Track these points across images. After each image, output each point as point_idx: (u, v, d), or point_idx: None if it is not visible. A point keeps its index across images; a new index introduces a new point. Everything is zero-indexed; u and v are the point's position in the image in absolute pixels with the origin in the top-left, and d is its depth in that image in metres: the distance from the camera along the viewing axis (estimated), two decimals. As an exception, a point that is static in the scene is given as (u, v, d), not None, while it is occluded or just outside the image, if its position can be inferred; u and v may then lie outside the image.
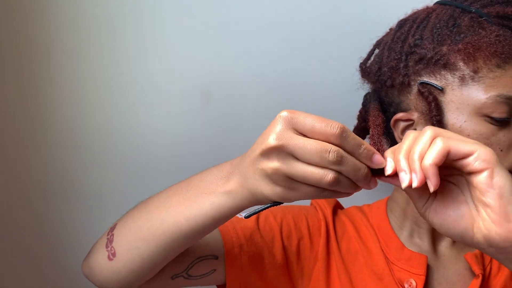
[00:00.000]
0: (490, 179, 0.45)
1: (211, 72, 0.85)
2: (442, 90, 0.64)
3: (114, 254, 0.60)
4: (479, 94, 0.62)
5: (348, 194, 0.49)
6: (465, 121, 0.62)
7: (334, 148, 0.45)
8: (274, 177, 0.47)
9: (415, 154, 0.46)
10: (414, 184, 0.45)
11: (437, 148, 0.45)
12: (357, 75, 0.76)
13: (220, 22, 0.84)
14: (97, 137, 0.85)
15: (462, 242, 0.49)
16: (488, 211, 0.45)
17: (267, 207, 0.51)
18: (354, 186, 0.48)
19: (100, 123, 0.85)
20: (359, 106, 0.77)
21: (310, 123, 0.46)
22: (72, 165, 0.86)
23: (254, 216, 0.71)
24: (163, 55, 0.84)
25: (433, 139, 0.46)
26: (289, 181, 0.47)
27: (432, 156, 0.45)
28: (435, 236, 0.71)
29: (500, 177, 0.45)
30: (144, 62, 0.84)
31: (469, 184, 0.47)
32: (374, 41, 0.75)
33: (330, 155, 0.45)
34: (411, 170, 0.46)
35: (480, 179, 0.45)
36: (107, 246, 0.61)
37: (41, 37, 0.81)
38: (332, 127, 0.45)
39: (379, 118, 0.67)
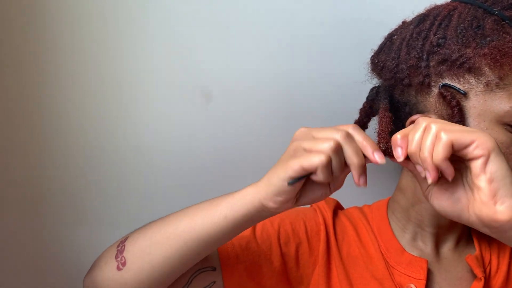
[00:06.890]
0: (484, 165, 0.49)
1: (211, 72, 0.82)
2: (465, 94, 0.62)
3: (124, 263, 0.58)
4: (503, 102, 0.60)
5: (346, 170, 0.55)
6: (486, 129, 0.61)
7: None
8: (295, 149, 0.55)
9: (425, 152, 0.50)
10: (430, 181, 0.50)
11: (443, 144, 0.49)
12: (357, 73, 0.72)
13: (220, 22, 0.80)
14: (95, 138, 0.80)
15: (460, 222, 0.53)
16: (480, 194, 0.49)
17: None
18: (358, 153, 0.54)
19: (99, 124, 0.80)
20: (359, 105, 0.73)
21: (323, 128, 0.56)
22: (71, 167, 0.81)
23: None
24: (163, 55, 0.81)
25: (437, 134, 0.50)
26: (304, 151, 0.54)
27: (441, 152, 0.49)
28: (438, 239, 0.70)
29: (494, 163, 0.49)
30: (143, 63, 0.80)
31: (468, 169, 0.51)
32: (373, 39, 0.71)
33: (340, 130, 0.54)
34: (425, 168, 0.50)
35: (475, 164, 0.49)
36: (116, 257, 0.59)
37: (37, 38, 0.76)
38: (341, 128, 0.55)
39: (387, 118, 0.64)
